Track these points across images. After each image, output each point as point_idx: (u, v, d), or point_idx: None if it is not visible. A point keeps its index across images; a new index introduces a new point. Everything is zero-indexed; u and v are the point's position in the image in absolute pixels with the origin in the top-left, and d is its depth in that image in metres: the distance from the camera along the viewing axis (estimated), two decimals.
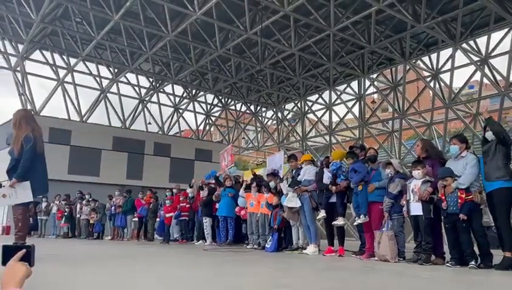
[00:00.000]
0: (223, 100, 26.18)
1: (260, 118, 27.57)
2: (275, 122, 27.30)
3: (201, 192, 11.02)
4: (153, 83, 23.31)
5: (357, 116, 22.08)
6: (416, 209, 5.48)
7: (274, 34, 16.28)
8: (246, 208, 9.14)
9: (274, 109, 26.53)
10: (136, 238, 13.76)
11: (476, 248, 5.08)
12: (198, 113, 25.65)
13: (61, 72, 20.42)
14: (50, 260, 5.14)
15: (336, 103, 22.92)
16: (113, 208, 14.04)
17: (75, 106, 20.61)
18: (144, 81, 23.42)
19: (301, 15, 14.55)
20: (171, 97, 24.60)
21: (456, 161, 5.35)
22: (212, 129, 27.71)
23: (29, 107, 19.16)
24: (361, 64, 19.57)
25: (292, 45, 16.33)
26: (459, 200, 5.01)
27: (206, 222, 10.55)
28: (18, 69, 19.56)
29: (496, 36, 16.54)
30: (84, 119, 20.76)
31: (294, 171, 7.75)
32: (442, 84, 18.84)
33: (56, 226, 15.87)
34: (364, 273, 4.68)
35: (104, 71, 21.93)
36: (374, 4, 13.35)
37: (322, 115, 23.98)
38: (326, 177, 6.99)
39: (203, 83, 22.70)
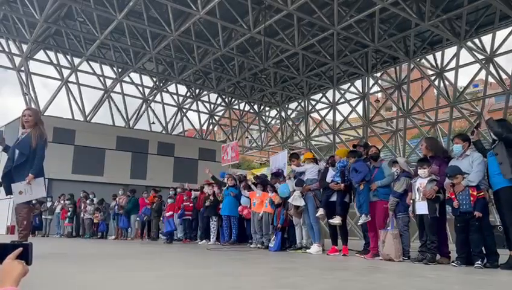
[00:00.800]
0: (226, 100, 26.19)
1: (264, 118, 27.54)
2: (278, 121, 27.27)
3: (204, 190, 11.01)
4: (157, 83, 23.33)
5: (361, 115, 22.00)
6: (422, 208, 5.43)
7: (277, 33, 16.25)
8: (249, 207, 9.12)
9: (277, 108, 26.49)
10: (140, 238, 13.77)
11: (482, 247, 5.02)
12: (202, 112, 25.68)
13: (65, 72, 20.49)
14: (56, 259, 5.14)
15: (340, 101, 22.85)
16: (116, 207, 14.06)
17: (79, 105, 20.69)
18: (147, 81, 23.47)
19: (305, 14, 14.49)
20: (175, 97, 24.62)
21: (460, 160, 5.29)
22: (215, 129, 27.71)
23: (33, 106, 19.23)
24: (365, 63, 19.50)
25: (296, 43, 16.28)
26: (471, 198, 4.96)
27: (214, 221, 10.53)
28: (22, 69, 19.62)
29: (501, 34, 16.43)
30: (88, 118, 20.82)
31: (295, 170, 7.73)
32: (446, 82, 18.74)
33: (60, 225, 15.93)
34: (369, 272, 4.64)
35: (108, 71, 22.01)
36: (378, 2, 13.27)
37: (326, 114, 23.91)
38: (329, 176, 6.96)
39: (207, 83, 22.70)
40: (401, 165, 6.07)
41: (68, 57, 20.42)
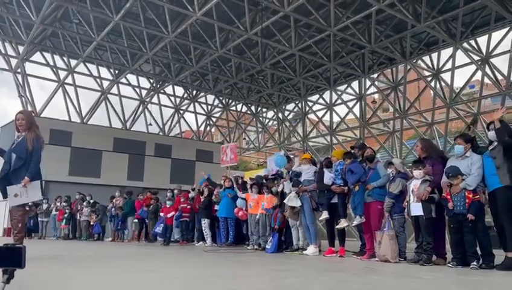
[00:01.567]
0: (223, 101, 26.19)
1: (261, 119, 27.55)
2: (275, 122, 27.30)
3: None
4: (154, 84, 23.31)
5: (358, 116, 22.05)
6: (417, 209, 5.45)
7: (274, 34, 16.27)
8: (245, 209, 9.12)
9: (275, 110, 26.52)
10: (137, 240, 13.75)
11: (478, 248, 5.04)
12: (199, 114, 25.67)
13: (62, 74, 20.44)
14: (53, 261, 5.13)
15: (337, 103, 22.90)
16: (113, 209, 14.03)
17: (76, 107, 20.63)
18: (144, 82, 23.44)
19: (301, 15, 14.53)
20: (172, 98, 24.60)
21: (459, 161, 5.30)
22: (213, 130, 27.72)
23: (29, 108, 19.18)
24: (361, 64, 19.55)
25: (292, 45, 16.31)
26: (467, 200, 4.98)
27: (205, 223, 10.54)
28: (18, 70, 19.58)
29: (497, 35, 16.51)
30: (84, 120, 20.78)
31: (290, 171, 7.74)
32: (443, 83, 18.81)
33: (57, 227, 15.88)
34: (365, 274, 4.65)
35: (105, 72, 21.98)
36: (374, 4, 13.32)
37: (323, 115, 23.95)
38: (328, 178, 6.96)
39: (204, 84, 22.70)
40: (396, 166, 6.09)
41: (65, 59, 20.37)
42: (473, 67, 17.32)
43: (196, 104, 25.33)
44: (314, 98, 24.16)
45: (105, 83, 21.83)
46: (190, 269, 5.02)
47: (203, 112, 25.87)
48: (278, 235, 7.98)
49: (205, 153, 23.32)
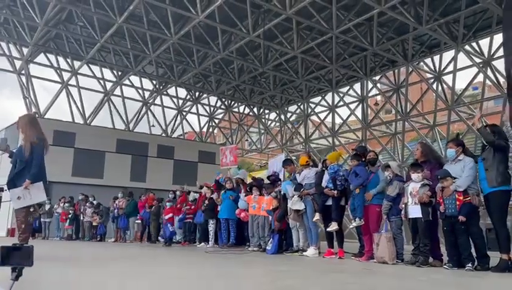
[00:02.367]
0: (226, 102, 26.28)
1: (263, 120, 27.63)
2: (278, 124, 27.37)
3: (202, 192, 11.06)
4: (157, 86, 23.43)
5: (360, 118, 22.09)
6: (415, 212, 5.52)
7: (276, 36, 16.36)
8: (247, 210, 9.19)
9: (277, 111, 26.60)
10: (139, 241, 13.84)
11: (473, 250, 5.10)
12: (202, 115, 25.76)
13: (66, 75, 20.57)
14: (55, 261, 5.22)
15: (339, 104, 22.94)
16: (116, 210, 14.13)
17: (79, 108, 20.76)
18: (147, 84, 23.58)
19: (303, 18, 14.60)
20: (175, 100, 24.70)
21: (453, 164, 5.38)
22: (215, 131, 27.80)
23: (33, 109, 19.34)
24: (363, 67, 19.61)
25: (295, 47, 16.40)
26: (457, 202, 5.05)
27: (213, 223, 10.60)
28: (23, 72, 19.73)
29: (499, 38, 16.48)
30: (88, 121, 20.91)
31: (292, 174, 7.80)
32: (444, 86, 18.84)
33: (60, 228, 15.99)
34: (362, 275, 4.72)
35: (108, 74, 22.09)
36: (376, 6, 13.39)
37: (325, 117, 24.00)
38: (325, 180, 7.04)
39: (206, 86, 22.80)
40: (393, 169, 6.16)
41: (68, 60, 20.51)
42: (475, 69, 17.35)
43: (199, 105, 25.43)
44: (317, 99, 24.22)
45: (109, 85, 21.97)
46: (190, 269, 5.10)
47: (206, 114, 25.97)
48: (279, 236, 8.05)
49: (208, 154, 23.38)
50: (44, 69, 20.55)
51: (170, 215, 11.45)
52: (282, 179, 8.85)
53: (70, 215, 15.43)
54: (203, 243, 10.95)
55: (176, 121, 24.65)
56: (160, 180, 20.68)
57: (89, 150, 19.96)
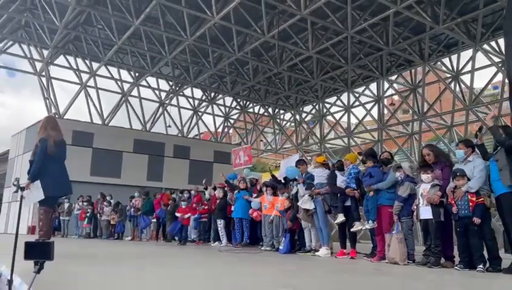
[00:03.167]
0: (241, 103, 26.41)
1: (278, 120, 27.67)
2: (293, 124, 27.36)
3: (215, 193, 11.18)
4: (173, 87, 23.71)
5: (376, 118, 21.93)
6: (426, 213, 5.50)
7: (291, 37, 16.40)
8: (260, 209, 9.26)
9: (292, 111, 26.61)
10: (155, 239, 14.03)
11: (485, 252, 5.06)
12: (217, 116, 25.95)
13: (84, 77, 21.00)
14: (73, 258, 5.39)
15: (355, 105, 22.83)
16: (132, 209, 14.37)
17: (97, 109, 21.15)
18: (164, 85, 23.90)
19: (318, 18, 14.61)
20: (191, 100, 24.97)
21: (463, 165, 5.34)
22: (230, 131, 27.96)
23: (53, 110, 19.79)
24: (379, 66, 19.48)
25: (310, 47, 16.40)
26: (470, 203, 5.02)
27: (221, 224, 10.72)
28: (43, 73, 20.21)
29: None
30: (106, 122, 21.29)
31: (304, 174, 7.83)
32: (463, 85, 18.56)
33: (79, 226, 16.32)
34: (371, 275, 4.74)
35: (125, 75, 22.45)
36: (392, 6, 13.32)
37: (341, 117, 23.94)
38: (341, 181, 7.03)
39: (222, 86, 22.98)
40: (405, 170, 6.13)
41: (87, 62, 20.93)
42: (494, 68, 17.06)
43: (214, 106, 25.63)
44: (332, 100, 24.16)
45: (126, 86, 22.33)
46: (202, 268, 5.20)
47: (221, 114, 26.15)
48: (290, 236, 8.09)
49: (223, 154, 23.51)
50: (64, 70, 21.04)
51: (189, 215, 11.57)
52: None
53: (88, 214, 15.74)
54: (217, 242, 11.07)
55: (191, 121, 24.92)
56: (176, 180, 20.88)
57: (107, 150, 20.31)
